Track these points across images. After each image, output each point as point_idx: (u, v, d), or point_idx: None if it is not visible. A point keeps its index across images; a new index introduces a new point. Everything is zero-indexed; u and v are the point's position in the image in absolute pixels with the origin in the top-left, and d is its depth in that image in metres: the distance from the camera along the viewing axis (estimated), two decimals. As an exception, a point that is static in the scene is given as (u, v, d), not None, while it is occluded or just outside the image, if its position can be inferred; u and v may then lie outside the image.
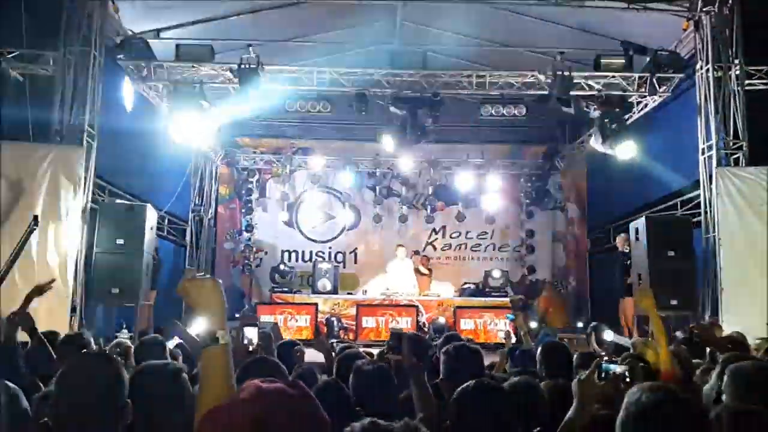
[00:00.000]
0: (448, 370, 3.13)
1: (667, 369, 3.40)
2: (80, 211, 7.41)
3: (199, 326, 2.44)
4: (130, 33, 8.60)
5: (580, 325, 11.23)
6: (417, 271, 11.77)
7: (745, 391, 2.51)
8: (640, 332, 6.81)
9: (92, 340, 4.51)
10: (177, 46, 8.54)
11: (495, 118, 9.32)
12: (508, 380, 3.42)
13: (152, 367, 2.42)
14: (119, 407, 1.97)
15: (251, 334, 3.60)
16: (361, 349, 5.22)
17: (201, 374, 1.60)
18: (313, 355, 4.80)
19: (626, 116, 9.11)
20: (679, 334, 6.90)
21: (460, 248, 13.63)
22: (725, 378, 2.61)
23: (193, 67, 8.82)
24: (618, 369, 2.47)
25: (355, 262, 13.49)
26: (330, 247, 13.54)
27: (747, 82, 7.72)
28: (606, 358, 2.66)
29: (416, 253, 12.87)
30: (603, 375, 2.46)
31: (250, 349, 3.51)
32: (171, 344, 4.46)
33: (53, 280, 4.62)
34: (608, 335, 5.78)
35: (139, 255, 7.93)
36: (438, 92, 9.05)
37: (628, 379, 2.42)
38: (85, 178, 7.50)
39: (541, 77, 8.76)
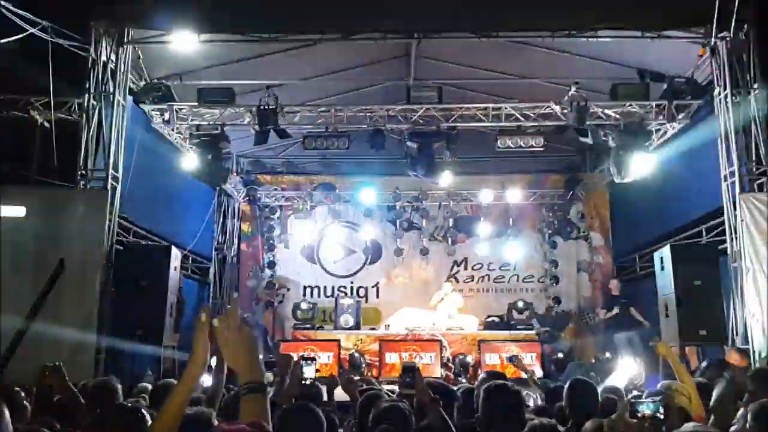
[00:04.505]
0: (486, 407, 3.13)
1: (699, 412, 3.35)
2: (105, 253, 7.53)
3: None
4: (153, 78, 8.85)
5: (608, 356, 10.97)
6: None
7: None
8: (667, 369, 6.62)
9: (119, 386, 4.51)
10: (198, 90, 8.76)
11: (513, 149, 9.33)
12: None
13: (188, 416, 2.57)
14: None
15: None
16: (384, 386, 5.15)
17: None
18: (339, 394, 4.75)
19: (646, 144, 9.03)
20: (704, 364, 6.70)
21: (482, 280, 13.50)
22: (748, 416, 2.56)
23: (214, 109, 9.02)
24: (649, 408, 2.40)
25: (377, 297, 13.42)
26: (352, 282, 13.50)
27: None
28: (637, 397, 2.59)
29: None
30: (637, 415, 2.40)
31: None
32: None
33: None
34: None
35: (162, 296, 8.01)
36: (454, 126, 9.11)
37: (662, 417, 2.36)
38: (110, 221, 7.65)
39: (557, 108, 8.77)
